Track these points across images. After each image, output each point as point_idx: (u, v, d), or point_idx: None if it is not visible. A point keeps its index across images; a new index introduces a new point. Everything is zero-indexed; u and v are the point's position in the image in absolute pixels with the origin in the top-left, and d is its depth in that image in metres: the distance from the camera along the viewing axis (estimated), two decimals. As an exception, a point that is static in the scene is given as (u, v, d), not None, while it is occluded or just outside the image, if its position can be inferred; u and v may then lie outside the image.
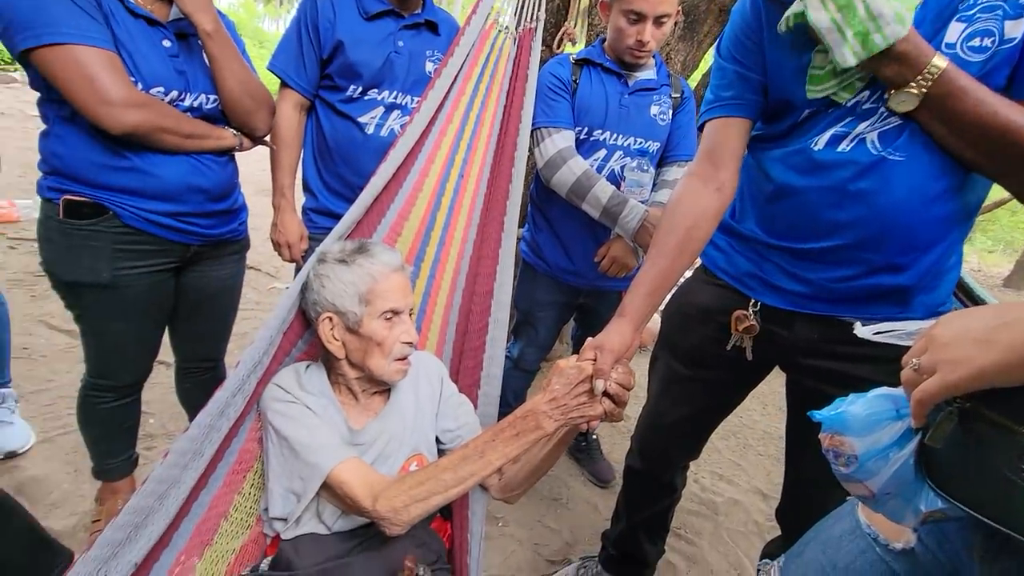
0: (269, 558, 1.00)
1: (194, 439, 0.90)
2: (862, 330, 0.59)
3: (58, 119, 1.12)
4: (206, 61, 1.23)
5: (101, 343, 1.29)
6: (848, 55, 0.78)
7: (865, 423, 0.54)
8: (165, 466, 0.87)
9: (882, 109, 0.85)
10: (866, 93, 0.86)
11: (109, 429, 1.41)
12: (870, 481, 0.54)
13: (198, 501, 0.96)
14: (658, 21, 1.42)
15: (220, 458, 1.00)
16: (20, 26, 1.01)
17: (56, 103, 1.11)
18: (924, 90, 0.78)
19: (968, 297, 1.21)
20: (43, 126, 1.17)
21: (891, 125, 0.85)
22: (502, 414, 1.21)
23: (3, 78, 6.59)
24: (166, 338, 1.43)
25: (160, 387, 1.96)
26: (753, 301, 1.04)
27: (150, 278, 1.23)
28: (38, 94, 1.13)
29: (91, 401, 1.35)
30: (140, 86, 1.11)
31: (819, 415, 0.58)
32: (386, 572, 0.92)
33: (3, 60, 6.82)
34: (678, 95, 1.62)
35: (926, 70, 0.77)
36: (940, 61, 0.77)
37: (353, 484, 0.92)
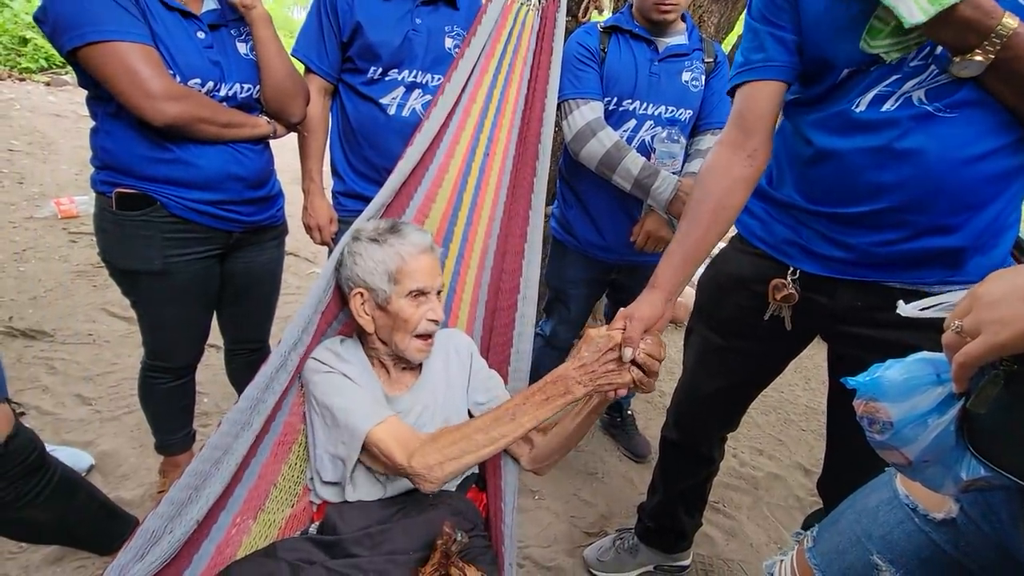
0: (317, 523, 1.06)
1: (243, 411, 0.96)
2: (906, 309, 0.55)
3: (105, 115, 1.18)
4: (238, 51, 1.26)
5: (156, 327, 1.37)
6: (916, 11, 0.71)
7: (902, 388, 0.52)
8: (219, 435, 0.93)
9: (932, 67, 0.80)
10: (914, 51, 0.81)
11: (167, 408, 1.51)
12: (906, 448, 0.52)
13: (249, 469, 1.03)
14: None
15: (267, 430, 1.06)
16: (65, 27, 1.06)
17: (103, 100, 1.17)
18: (991, 56, 0.71)
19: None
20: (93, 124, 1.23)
21: (941, 82, 0.80)
22: (532, 387, 1.23)
23: (56, 81, 6.91)
24: (216, 323, 1.51)
25: (211, 368, 2.07)
26: (791, 269, 1.02)
27: (197, 264, 1.30)
28: (86, 92, 1.20)
29: (150, 382, 1.45)
30: (178, 78, 1.15)
31: (853, 381, 0.56)
32: (426, 537, 0.96)
33: (55, 64, 7.16)
34: (711, 60, 1.56)
35: (994, 34, 0.70)
36: (1011, 20, 0.69)
37: (388, 443, 0.96)
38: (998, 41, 0.70)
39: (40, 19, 1.10)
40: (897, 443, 0.53)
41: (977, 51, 0.72)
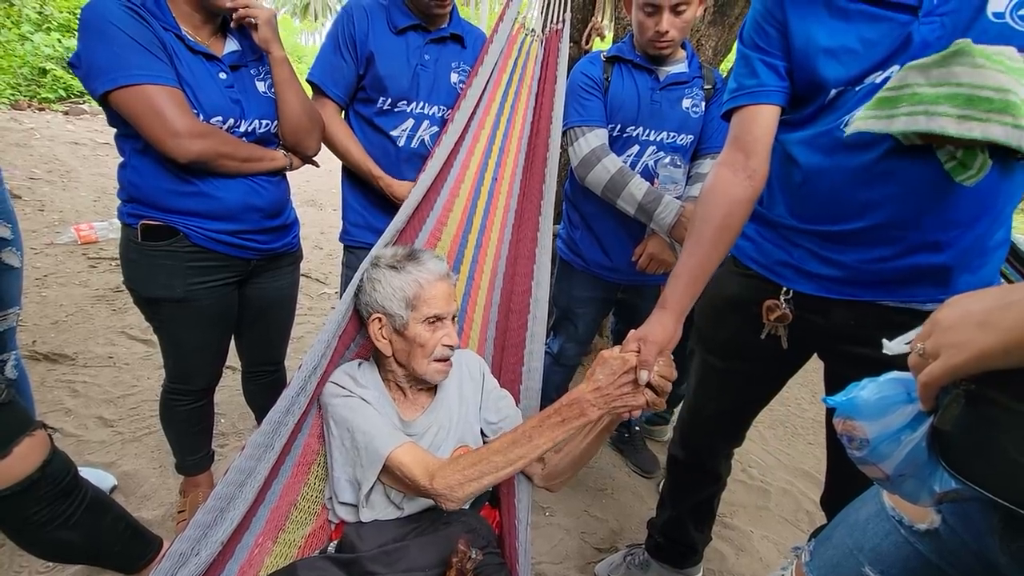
0: (335, 542, 1.09)
1: (266, 434, 1.00)
2: (892, 347, 0.57)
3: (133, 152, 1.25)
4: (257, 89, 1.33)
5: (178, 351, 1.42)
6: None
7: (876, 407, 0.56)
8: (243, 458, 0.97)
9: None
10: (896, 67, 0.84)
11: (188, 429, 1.55)
12: (884, 463, 0.55)
13: (271, 490, 1.07)
14: (675, 10, 1.42)
15: (288, 451, 1.10)
16: (98, 72, 1.13)
17: (131, 138, 1.23)
18: None
19: (1021, 263, 1.16)
20: (112, 155, 1.30)
21: None
22: (543, 407, 1.27)
23: (74, 110, 7.13)
24: (233, 345, 1.56)
25: (228, 390, 2.12)
26: (785, 289, 1.04)
27: (217, 291, 1.35)
28: (115, 129, 1.26)
29: (171, 404, 1.50)
30: (201, 117, 1.21)
31: (831, 401, 0.60)
32: (441, 554, 0.99)
33: (73, 94, 7.40)
34: (710, 87, 1.61)
35: None
36: None
37: (411, 465, 1.00)
38: None
39: (75, 64, 1.17)
40: (875, 459, 0.56)
41: None
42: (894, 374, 0.57)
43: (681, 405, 1.41)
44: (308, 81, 1.55)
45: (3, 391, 0.96)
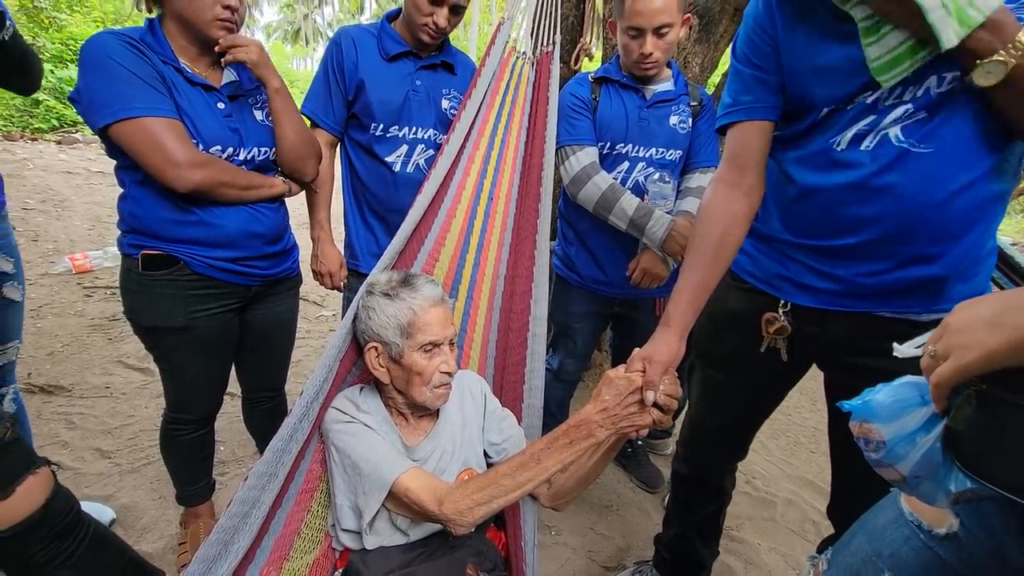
0: (340, 570, 1.08)
1: (269, 463, 1.00)
2: (902, 350, 0.59)
3: (133, 183, 1.26)
4: (255, 117, 1.35)
5: (179, 380, 1.42)
6: (952, 34, 0.72)
7: (891, 410, 0.57)
8: (246, 488, 0.96)
9: (909, 106, 0.84)
10: (886, 91, 0.87)
11: (188, 459, 1.54)
12: (900, 465, 0.57)
13: (276, 519, 1.06)
14: (658, 32, 1.45)
15: (292, 479, 1.09)
16: (97, 106, 1.15)
17: (130, 169, 1.24)
18: (1013, 59, 0.71)
19: (1012, 270, 1.18)
20: (106, 183, 1.31)
21: (916, 119, 0.84)
22: (546, 424, 1.27)
23: (67, 139, 7.17)
24: (233, 372, 1.55)
25: (228, 416, 2.10)
26: (783, 302, 1.05)
27: (218, 319, 1.35)
28: (112, 160, 1.28)
29: (172, 434, 1.49)
30: (200, 146, 1.23)
31: (847, 404, 0.61)
32: (449, 579, 0.98)
33: (66, 123, 7.43)
34: (696, 103, 1.65)
35: (1016, 38, 0.71)
36: None
37: (418, 490, 0.99)
38: (1021, 46, 0.71)
39: (75, 99, 1.18)
40: (891, 460, 0.58)
41: (1000, 52, 0.72)
42: (908, 378, 0.59)
43: (683, 420, 1.41)
44: (301, 112, 1.57)
45: (7, 429, 0.95)
